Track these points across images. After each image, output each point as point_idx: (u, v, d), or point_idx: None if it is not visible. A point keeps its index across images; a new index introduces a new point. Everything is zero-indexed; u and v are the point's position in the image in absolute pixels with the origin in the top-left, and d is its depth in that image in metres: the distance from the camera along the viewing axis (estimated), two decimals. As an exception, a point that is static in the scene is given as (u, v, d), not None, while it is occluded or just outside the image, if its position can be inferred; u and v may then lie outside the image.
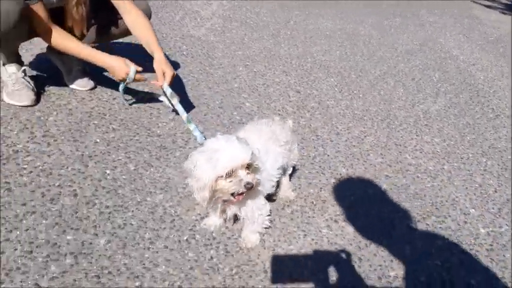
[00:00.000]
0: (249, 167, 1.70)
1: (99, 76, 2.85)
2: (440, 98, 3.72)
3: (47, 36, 2.37)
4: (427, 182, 2.64)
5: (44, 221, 1.86)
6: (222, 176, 1.67)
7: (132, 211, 2.01)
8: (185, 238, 1.94)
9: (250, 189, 1.70)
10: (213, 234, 1.99)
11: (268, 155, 1.92)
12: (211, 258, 1.88)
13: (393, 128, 3.13)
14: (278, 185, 2.18)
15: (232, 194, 1.73)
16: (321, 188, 2.41)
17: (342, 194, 2.39)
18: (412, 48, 4.77)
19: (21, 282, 1.61)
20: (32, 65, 2.88)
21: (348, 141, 2.88)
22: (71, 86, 2.75)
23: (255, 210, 1.91)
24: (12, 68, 2.48)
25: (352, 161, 2.69)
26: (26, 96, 2.49)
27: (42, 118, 2.45)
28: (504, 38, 5.78)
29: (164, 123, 2.63)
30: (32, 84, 2.56)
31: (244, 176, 1.68)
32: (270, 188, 1.99)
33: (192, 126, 2.36)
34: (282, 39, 4.33)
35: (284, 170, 2.17)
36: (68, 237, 1.82)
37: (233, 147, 1.68)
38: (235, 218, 2.04)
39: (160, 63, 2.48)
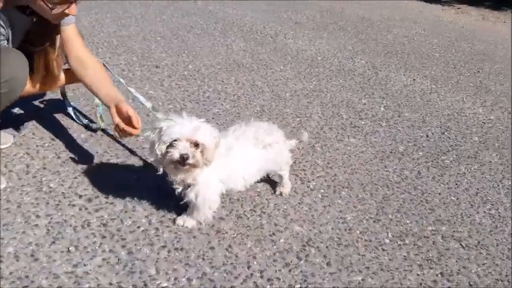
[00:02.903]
0: (197, 145, 1.83)
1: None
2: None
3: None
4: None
5: None
6: (166, 143, 1.83)
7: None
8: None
9: (185, 161, 1.80)
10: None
11: (241, 156, 2.06)
12: None
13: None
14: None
15: (175, 163, 1.83)
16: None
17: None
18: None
19: None
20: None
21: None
22: None
23: (204, 199, 1.99)
24: None
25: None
26: None
27: None
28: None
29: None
30: None
31: (183, 147, 1.80)
32: (241, 186, 2.13)
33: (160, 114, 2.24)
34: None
35: (269, 172, 2.31)
36: None
37: (183, 123, 1.86)
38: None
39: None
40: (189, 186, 1.99)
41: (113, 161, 2.50)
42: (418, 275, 1.99)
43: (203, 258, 1.93)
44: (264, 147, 2.13)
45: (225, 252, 1.98)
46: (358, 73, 4.26)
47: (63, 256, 1.85)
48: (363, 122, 3.31)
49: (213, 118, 3.07)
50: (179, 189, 2.01)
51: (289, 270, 1.93)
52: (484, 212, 2.48)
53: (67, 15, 1.97)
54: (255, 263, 1.94)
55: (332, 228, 2.20)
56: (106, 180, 2.33)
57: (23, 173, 2.30)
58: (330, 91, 3.77)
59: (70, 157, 2.46)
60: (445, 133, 3.31)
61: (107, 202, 2.18)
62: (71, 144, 2.57)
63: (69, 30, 2.21)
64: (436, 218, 2.37)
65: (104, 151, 2.55)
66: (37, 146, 2.53)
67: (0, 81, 1.92)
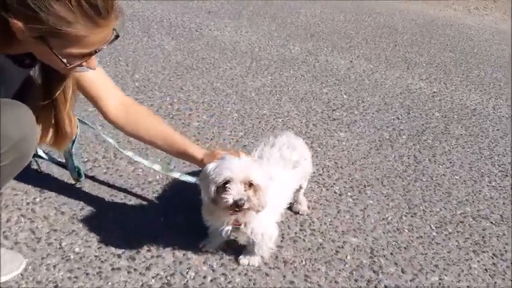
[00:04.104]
0: (251, 185, 1.63)
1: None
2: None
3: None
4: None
5: None
6: (220, 186, 1.62)
7: None
8: None
9: (241, 207, 1.60)
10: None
11: (278, 183, 1.82)
12: None
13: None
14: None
15: (231, 208, 1.63)
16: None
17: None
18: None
19: None
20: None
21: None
22: None
23: (263, 233, 1.84)
24: None
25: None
26: None
27: None
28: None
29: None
30: None
31: (237, 192, 1.60)
32: (279, 217, 1.95)
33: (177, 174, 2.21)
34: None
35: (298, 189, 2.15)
36: None
37: (235, 161, 1.65)
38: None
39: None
40: (239, 224, 1.82)
41: (126, 203, 2.19)
42: (478, 261, 2.11)
43: (291, 296, 1.81)
44: (294, 167, 1.99)
45: (306, 284, 1.87)
46: (300, 61, 4.27)
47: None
48: (338, 113, 3.34)
49: (199, 133, 2.84)
50: (227, 228, 1.82)
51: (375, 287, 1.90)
52: (487, 185, 2.69)
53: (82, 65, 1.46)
54: None
55: (383, 233, 2.20)
56: (133, 229, 2.03)
57: (33, 241, 1.90)
58: (288, 85, 3.72)
59: (74, 210, 2.09)
60: (410, 113, 3.50)
61: (152, 256, 1.91)
62: (65, 192, 2.19)
63: (91, 73, 1.71)
64: (456, 201, 2.51)
65: (109, 193, 2.22)
66: (27, 203, 2.10)
67: (5, 147, 1.45)
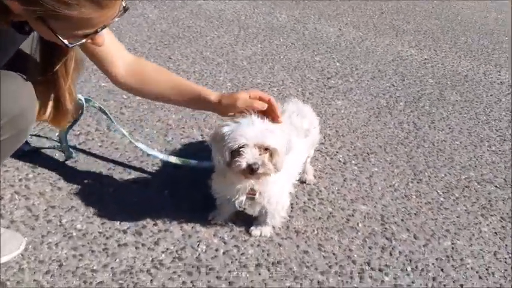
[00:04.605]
0: (266, 150, 1.57)
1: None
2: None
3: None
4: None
5: None
6: (234, 150, 1.55)
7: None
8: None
9: (254, 171, 1.54)
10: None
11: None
12: None
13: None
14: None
15: (244, 172, 1.56)
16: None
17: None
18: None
19: None
20: None
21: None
22: None
23: (277, 202, 1.78)
24: None
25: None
26: None
27: None
28: None
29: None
30: None
31: (252, 156, 1.54)
32: (292, 187, 1.88)
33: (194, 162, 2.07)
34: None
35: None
36: None
37: (250, 124, 1.57)
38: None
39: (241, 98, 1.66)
40: (254, 193, 1.75)
41: (126, 176, 2.08)
42: (487, 225, 2.09)
43: (307, 266, 1.75)
44: (305, 135, 1.93)
45: (320, 253, 1.82)
46: (289, 29, 4.15)
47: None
48: (333, 81, 3.26)
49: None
50: (241, 198, 1.75)
51: (390, 254, 1.86)
52: (488, 150, 2.68)
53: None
54: (355, 255, 1.83)
55: (392, 200, 2.17)
56: (136, 203, 1.94)
57: (30, 219, 1.78)
58: (280, 53, 3.61)
59: (71, 185, 1.97)
60: (405, 80, 3.45)
61: (160, 230, 1.82)
62: (59, 168, 2.06)
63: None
64: (460, 166, 2.49)
65: (106, 167, 2.11)
66: (20, 180, 1.97)
67: (2, 122, 1.33)
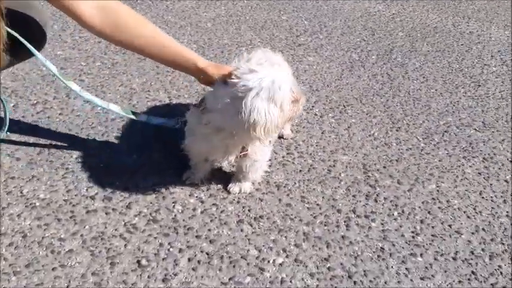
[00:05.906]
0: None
1: None
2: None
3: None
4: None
5: None
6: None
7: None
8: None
9: None
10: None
11: None
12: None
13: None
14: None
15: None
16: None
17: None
18: None
19: None
20: None
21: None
22: None
23: (263, 159, 1.72)
24: None
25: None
26: None
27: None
28: None
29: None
30: None
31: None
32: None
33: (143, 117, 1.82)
34: None
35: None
36: None
37: (280, 72, 1.48)
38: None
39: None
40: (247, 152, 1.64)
41: (91, 143, 1.93)
42: (470, 166, 2.05)
43: (291, 219, 1.66)
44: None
45: (304, 205, 1.73)
46: (252, -10, 4.00)
47: (139, 274, 1.40)
48: (303, 39, 3.15)
49: (157, 67, 2.56)
50: (231, 158, 1.63)
51: (375, 201, 1.79)
52: (463, 95, 2.64)
53: None
54: (340, 204, 1.75)
55: (372, 148, 2.09)
56: (103, 169, 1.80)
57: (-14, 193, 1.63)
58: (245, 14, 3.46)
59: (30, 154, 1.82)
60: (375, 34, 3.36)
61: (131, 194, 1.69)
62: (14, 137, 1.90)
63: None
64: (437, 112, 2.44)
65: (68, 134, 1.95)
66: (-29, 152, 1.80)
67: None
